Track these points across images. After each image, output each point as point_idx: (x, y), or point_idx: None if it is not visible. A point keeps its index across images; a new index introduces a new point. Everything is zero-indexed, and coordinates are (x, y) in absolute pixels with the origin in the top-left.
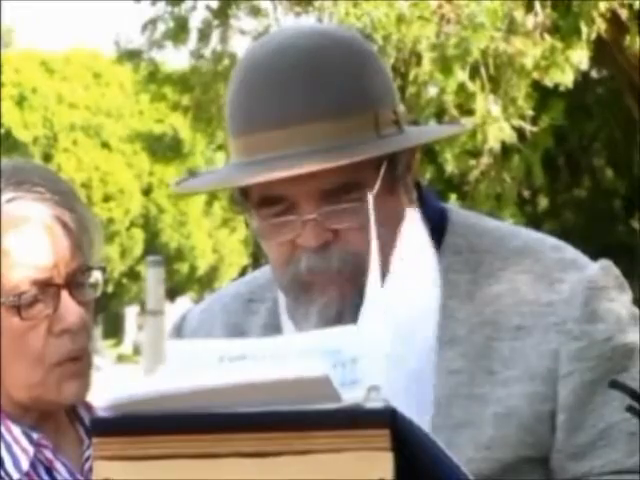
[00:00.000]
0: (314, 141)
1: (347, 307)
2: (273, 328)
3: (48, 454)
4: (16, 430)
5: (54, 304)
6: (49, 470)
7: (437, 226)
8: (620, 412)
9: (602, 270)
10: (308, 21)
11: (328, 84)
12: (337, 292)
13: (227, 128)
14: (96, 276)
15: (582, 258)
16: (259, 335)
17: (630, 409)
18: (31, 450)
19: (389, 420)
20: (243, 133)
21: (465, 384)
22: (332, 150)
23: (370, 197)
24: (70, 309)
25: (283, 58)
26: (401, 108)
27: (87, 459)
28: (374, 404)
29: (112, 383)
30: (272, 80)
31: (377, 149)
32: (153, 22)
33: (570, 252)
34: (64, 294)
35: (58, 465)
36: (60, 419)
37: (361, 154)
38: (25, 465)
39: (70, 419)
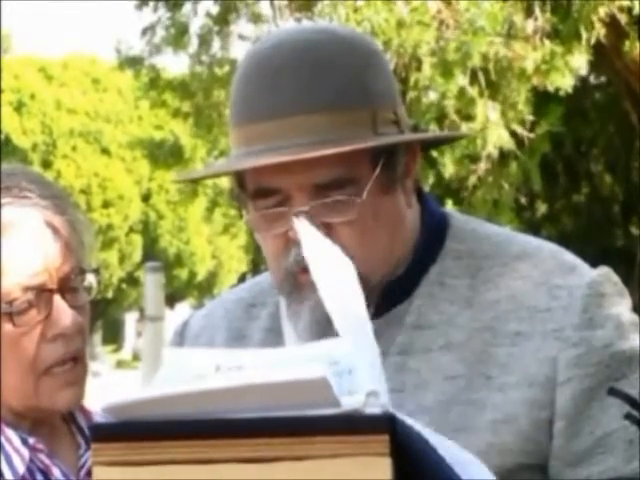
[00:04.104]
0: (306, 133)
1: None
2: (274, 332)
3: (44, 458)
4: (11, 434)
5: (47, 309)
6: (45, 474)
7: (438, 231)
8: (618, 419)
9: (601, 277)
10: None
11: (323, 77)
12: None
13: (229, 121)
14: (90, 279)
15: (581, 264)
16: (261, 339)
17: (629, 417)
18: (26, 454)
19: (388, 425)
20: (240, 124)
21: (463, 389)
22: (325, 143)
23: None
24: (63, 313)
25: (280, 51)
26: (403, 110)
27: (84, 464)
28: (373, 409)
29: (112, 392)
30: (267, 72)
31: (369, 143)
32: (152, 28)
33: (569, 258)
34: (57, 299)
35: (54, 469)
36: (55, 424)
37: (352, 146)
38: (21, 469)
39: (66, 423)
